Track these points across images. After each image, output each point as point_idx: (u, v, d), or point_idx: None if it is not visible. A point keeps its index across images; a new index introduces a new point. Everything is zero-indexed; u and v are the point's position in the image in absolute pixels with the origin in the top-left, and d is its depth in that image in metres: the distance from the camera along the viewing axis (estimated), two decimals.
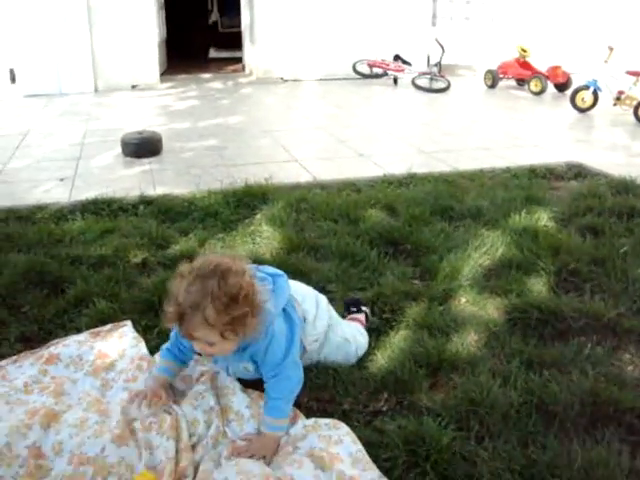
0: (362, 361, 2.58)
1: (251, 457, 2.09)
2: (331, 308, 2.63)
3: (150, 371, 2.44)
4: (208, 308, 1.98)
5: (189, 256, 3.27)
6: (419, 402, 2.35)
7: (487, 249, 3.49)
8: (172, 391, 2.37)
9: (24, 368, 2.51)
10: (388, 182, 4.76)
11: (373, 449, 2.11)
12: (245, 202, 4.15)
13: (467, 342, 2.70)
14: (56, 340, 2.63)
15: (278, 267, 3.11)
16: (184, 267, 2.09)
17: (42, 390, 2.35)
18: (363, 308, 2.84)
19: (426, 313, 2.87)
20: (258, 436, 2.21)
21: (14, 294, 3.01)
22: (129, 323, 2.73)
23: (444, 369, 2.51)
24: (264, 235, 3.47)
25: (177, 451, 2.10)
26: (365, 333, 2.71)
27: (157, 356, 2.49)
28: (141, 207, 4.16)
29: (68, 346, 2.57)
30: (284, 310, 2.30)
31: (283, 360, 2.23)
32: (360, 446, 2.11)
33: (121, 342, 2.62)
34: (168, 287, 2.09)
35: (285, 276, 2.39)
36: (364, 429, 2.22)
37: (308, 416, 2.28)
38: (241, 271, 2.08)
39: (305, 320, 2.42)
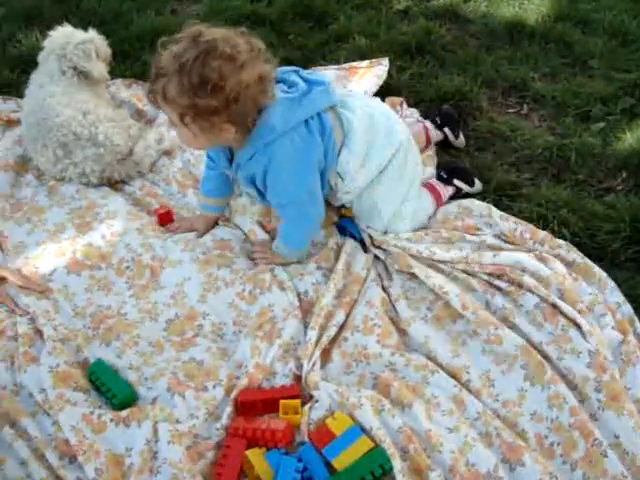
0: (607, 136, 2.49)
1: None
2: (410, 159, 2.04)
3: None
4: (172, 82, 1.65)
5: (451, 9, 3.26)
6: None
7: None
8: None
9: None
10: None
11: (597, 221, 2.13)
12: None
13: None
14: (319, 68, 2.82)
15: (541, 35, 3.03)
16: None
17: None
18: (455, 182, 2.22)
19: None
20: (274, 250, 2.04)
21: (282, 23, 3.23)
22: (386, 62, 2.79)
23: None
24: (533, 0, 3.28)
25: None
26: (427, 210, 2.12)
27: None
28: None
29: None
30: (306, 123, 1.82)
31: (295, 190, 1.86)
32: None
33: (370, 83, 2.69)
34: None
35: (328, 86, 1.88)
36: (592, 201, 2.23)
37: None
38: (233, 60, 1.64)
39: (339, 154, 1.91)
